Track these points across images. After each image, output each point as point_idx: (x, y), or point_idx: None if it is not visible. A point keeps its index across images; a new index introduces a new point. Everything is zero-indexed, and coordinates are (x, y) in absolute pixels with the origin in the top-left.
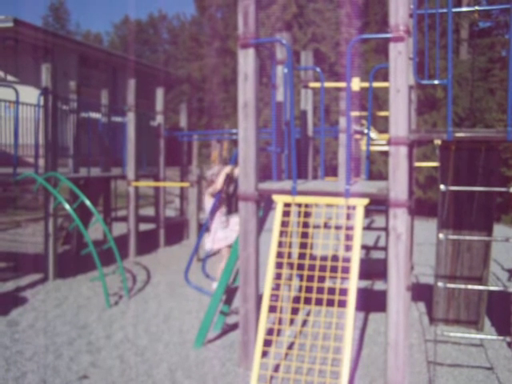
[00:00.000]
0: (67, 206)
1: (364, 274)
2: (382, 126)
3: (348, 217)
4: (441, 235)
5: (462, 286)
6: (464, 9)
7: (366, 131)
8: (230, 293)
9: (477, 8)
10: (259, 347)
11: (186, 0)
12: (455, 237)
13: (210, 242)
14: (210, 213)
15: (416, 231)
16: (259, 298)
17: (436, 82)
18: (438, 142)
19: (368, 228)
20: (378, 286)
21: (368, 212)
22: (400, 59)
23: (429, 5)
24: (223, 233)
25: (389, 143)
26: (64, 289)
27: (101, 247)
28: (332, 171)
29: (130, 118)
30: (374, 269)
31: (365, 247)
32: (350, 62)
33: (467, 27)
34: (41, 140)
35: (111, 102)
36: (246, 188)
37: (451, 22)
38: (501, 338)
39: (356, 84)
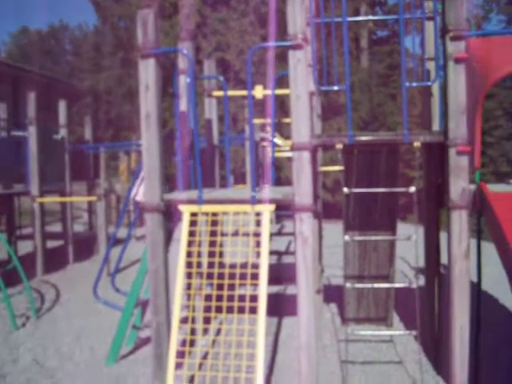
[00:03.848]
0: None
1: (276, 279)
2: (288, 132)
3: (258, 223)
4: (346, 237)
5: (369, 285)
6: (357, 18)
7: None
8: (141, 306)
9: (370, 18)
10: (172, 359)
11: (87, 9)
12: (360, 238)
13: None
14: None
15: (326, 234)
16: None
17: (335, 88)
18: (339, 146)
19: (279, 233)
20: (291, 290)
21: (279, 218)
22: (299, 66)
23: (327, 14)
24: None
25: (292, 149)
26: None
27: (5, 267)
28: (243, 178)
29: (32, 132)
30: (285, 273)
31: (276, 252)
32: (251, 69)
33: (366, 36)
34: None
35: (12, 116)
36: (152, 199)
37: (347, 31)
38: (407, 332)
39: (259, 92)
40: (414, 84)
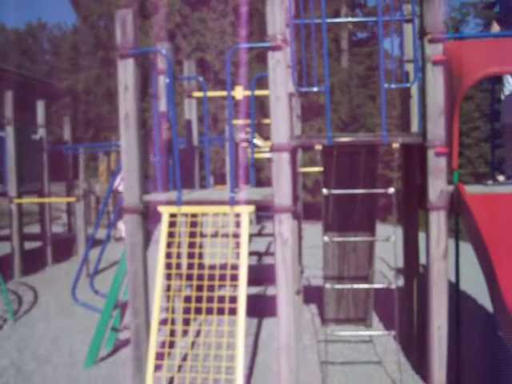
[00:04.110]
0: None
1: (256, 280)
2: (268, 133)
3: (238, 224)
4: (325, 238)
5: (348, 286)
6: (337, 20)
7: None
8: (120, 308)
9: (350, 20)
10: (151, 361)
11: (66, 8)
12: (340, 239)
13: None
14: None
15: (307, 234)
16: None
17: (315, 89)
18: (318, 147)
19: (259, 234)
20: (271, 291)
21: (259, 219)
22: (279, 67)
23: (306, 15)
24: None
25: (271, 150)
26: None
27: None
28: (223, 179)
29: (9, 132)
30: (265, 274)
31: (256, 253)
32: (230, 70)
33: (346, 37)
34: None
35: None
36: (131, 200)
37: (326, 33)
38: (386, 332)
39: (239, 92)
40: (393, 86)
